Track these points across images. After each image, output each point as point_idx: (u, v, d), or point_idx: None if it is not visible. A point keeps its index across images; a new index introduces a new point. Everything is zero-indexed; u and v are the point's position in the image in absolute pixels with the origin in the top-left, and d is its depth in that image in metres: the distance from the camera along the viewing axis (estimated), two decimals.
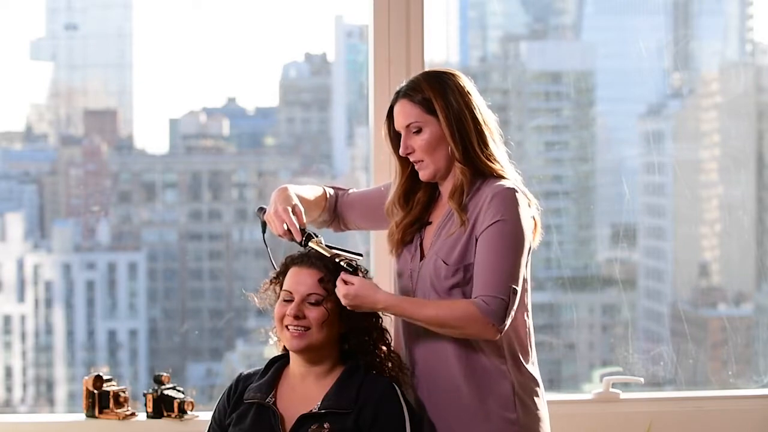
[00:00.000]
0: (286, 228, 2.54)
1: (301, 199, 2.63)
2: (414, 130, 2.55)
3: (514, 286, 2.43)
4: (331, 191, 2.78)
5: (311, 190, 2.71)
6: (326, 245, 2.55)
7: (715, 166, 5.98)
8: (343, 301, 2.48)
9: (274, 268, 2.61)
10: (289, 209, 2.55)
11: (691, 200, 5.96)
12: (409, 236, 2.62)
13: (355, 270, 2.52)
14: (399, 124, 2.57)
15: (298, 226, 2.55)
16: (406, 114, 2.56)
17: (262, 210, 2.65)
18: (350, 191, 2.81)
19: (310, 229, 2.59)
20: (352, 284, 2.48)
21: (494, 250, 2.44)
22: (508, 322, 2.44)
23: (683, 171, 5.64)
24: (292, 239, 2.55)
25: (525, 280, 2.56)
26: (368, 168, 3.50)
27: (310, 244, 2.55)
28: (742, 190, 5.29)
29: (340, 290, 2.48)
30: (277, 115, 11.68)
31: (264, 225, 2.64)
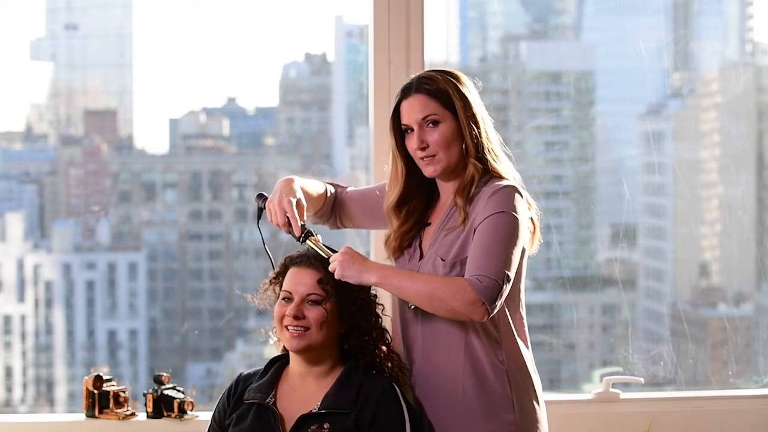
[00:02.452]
0: (286, 220, 2.54)
1: (305, 193, 2.62)
2: (430, 123, 2.53)
3: (507, 272, 2.41)
4: (331, 188, 2.78)
5: (314, 186, 2.70)
6: (324, 245, 2.55)
7: (715, 166, 5.97)
8: (337, 273, 2.47)
9: (268, 255, 2.61)
10: (293, 201, 2.54)
11: (691, 200, 5.95)
12: (407, 242, 2.62)
13: None
14: (413, 118, 2.55)
15: (299, 221, 2.54)
16: (423, 106, 2.53)
17: (261, 197, 2.64)
18: (348, 189, 2.81)
19: (309, 226, 2.58)
20: (343, 253, 2.48)
21: (490, 238, 2.43)
22: (498, 305, 2.41)
23: (683, 171, 5.64)
24: (290, 232, 2.55)
25: (520, 280, 2.56)
26: (368, 168, 3.50)
27: (308, 241, 2.54)
28: (742, 190, 5.29)
29: (332, 263, 2.48)
30: (277, 115, 11.67)
31: (260, 212, 2.64)
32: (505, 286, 2.41)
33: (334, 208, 2.78)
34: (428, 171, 2.56)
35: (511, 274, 2.43)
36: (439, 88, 2.53)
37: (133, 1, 11.65)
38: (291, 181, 2.59)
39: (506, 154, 2.61)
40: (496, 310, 2.42)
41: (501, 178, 2.54)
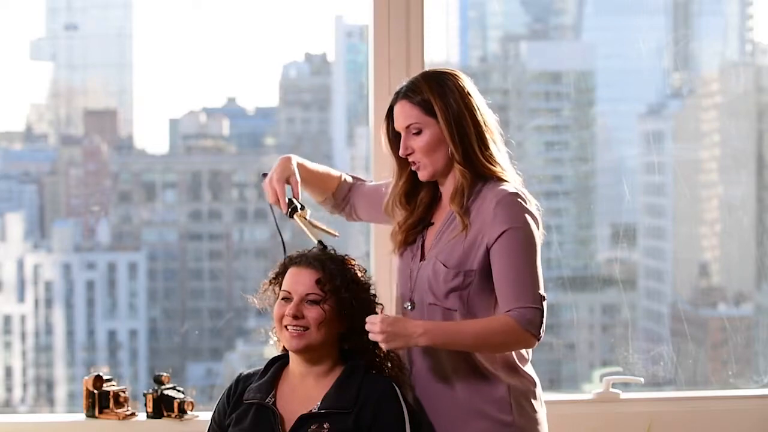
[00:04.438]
0: (276, 198, 2.57)
1: (307, 170, 2.65)
2: (414, 131, 2.55)
3: (541, 293, 2.45)
4: (349, 178, 2.79)
5: (322, 168, 2.73)
6: (310, 221, 2.57)
7: (715, 166, 5.98)
8: (385, 347, 2.45)
9: (280, 236, 2.64)
10: (284, 179, 2.58)
11: (691, 200, 5.96)
12: (412, 237, 2.62)
13: (324, 248, 2.55)
14: (399, 124, 2.57)
15: (287, 198, 2.57)
16: (405, 115, 2.55)
17: (265, 176, 2.67)
18: (368, 182, 2.82)
19: (308, 203, 2.61)
20: (382, 325, 2.42)
21: (514, 260, 2.44)
22: (544, 327, 2.45)
23: (683, 171, 5.64)
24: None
25: None
26: (368, 168, 3.50)
27: (294, 217, 2.57)
28: (742, 190, 5.30)
29: (375, 335, 2.43)
30: (277, 115, 11.69)
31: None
32: (544, 308, 2.45)
33: (347, 199, 2.79)
34: (420, 176, 2.58)
35: (543, 291, 2.46)
36: (422, 98, 2.53)
37: (133, 1, 11.66)
38: (288, 159, 2.63)
39: (508, 155, 2.60)
40: (544, 332, 2.46)
41: (500, 180, 2.54)
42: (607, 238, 6.66)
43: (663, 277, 7.17)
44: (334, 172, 2.76)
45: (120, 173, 10.97)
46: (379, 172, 3.39)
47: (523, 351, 2.59)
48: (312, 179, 2.67)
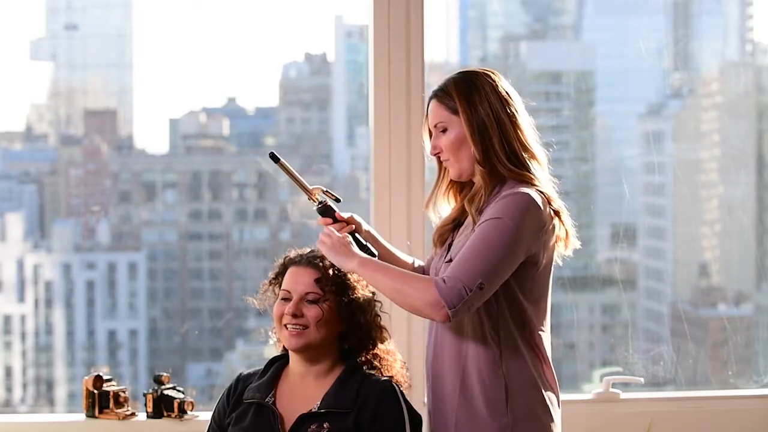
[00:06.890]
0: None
1: (378, 243, 2.69)
2: (440, 130, 2.56)
3: (482, 281, 2.35)
4: (421, 263, 2.77)
5: (393, 248, 2.75)
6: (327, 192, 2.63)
7: (715, 166, 5.98)
8: (322, 249, 2.51)
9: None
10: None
11: (691, 200, 5.96)
12: (446, 236, 2.62)
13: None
14: (429, 123, 2.60)
15: (323, 198, 2.63)
16: (434, 114, 2.57)
17: (273, 156, 2.73)
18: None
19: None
20: (330, 237, 2.51)
21: (479, 242, 2.39)
22: (462, 313, 2.36)
23: (683, 171, 5.64)
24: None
25: (529, 294, 2.53)
26: (368, 168, 3.50)
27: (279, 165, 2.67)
28: (742, 190, 5.29)
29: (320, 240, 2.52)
30: (277, 115, 11.67)
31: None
32: (474, 294, 2.35)
33: None
34: (450, 174, 2.59)
35: (488, 283, 2.36)
36: (449, 97, 2.54)
37: (133, 1, 11.65)
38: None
39: (540, 156, 2.58)
40: (460, 315, 2.37)
41: (524, 182, 2.50)
42: (607, 238, 6.65)
43: (663, 277, 7.16)
44: (405, 257, 2.75)
45: (120, 173, 10.96)
46: (379, 172, 3.39)
47: (539, 367, 2.55)
48: (384, 252, 2.68)
